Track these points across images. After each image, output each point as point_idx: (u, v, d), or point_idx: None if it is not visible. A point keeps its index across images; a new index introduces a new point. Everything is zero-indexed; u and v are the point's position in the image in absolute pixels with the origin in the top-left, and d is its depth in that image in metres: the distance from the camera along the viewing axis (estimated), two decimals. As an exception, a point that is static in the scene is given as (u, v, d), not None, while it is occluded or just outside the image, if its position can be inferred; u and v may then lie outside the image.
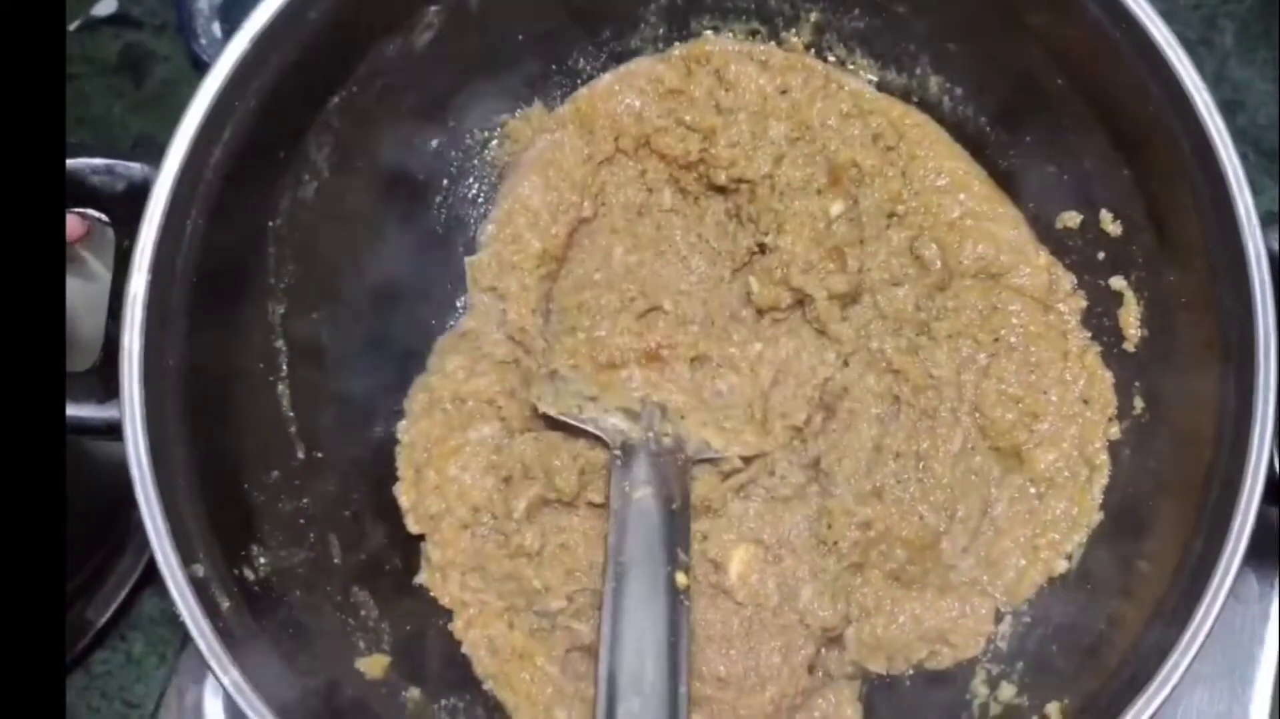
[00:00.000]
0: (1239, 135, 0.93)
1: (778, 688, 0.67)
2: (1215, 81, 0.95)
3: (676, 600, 0.62)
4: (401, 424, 0.72)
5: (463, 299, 0.75)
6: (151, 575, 0.91)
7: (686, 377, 0.69)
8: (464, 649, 0.69)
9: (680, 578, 0.63)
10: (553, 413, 0.68)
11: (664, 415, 0.68)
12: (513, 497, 0.69)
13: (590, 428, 0.68)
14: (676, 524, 0.65)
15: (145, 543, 0.88)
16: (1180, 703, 0.77)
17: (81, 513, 0.90)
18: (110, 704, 0.92)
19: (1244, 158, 0.92)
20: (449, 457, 0.70)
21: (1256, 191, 0.92)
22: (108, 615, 0.90)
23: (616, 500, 0.65)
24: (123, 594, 0.90)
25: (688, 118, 0.72)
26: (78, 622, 0.90)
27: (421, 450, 0.71)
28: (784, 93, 0.73)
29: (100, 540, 0.92)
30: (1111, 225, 0.66)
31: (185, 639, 0.85)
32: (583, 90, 0.75)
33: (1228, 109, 0.94)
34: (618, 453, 0.67)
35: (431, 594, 0.70)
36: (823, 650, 0.68)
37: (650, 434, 0.68)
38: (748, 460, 0.69)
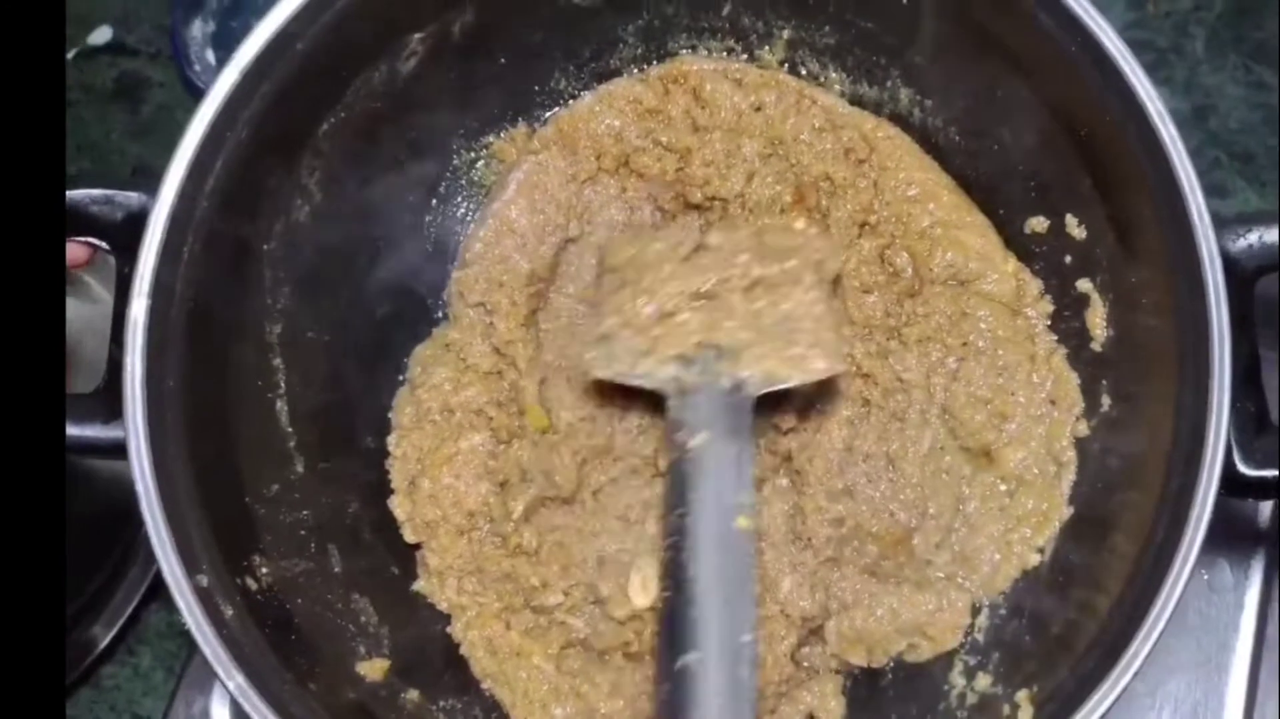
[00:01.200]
0: (1211, 140, 0.96)
1: (762, 676, 0.68)
2: (1187, 88, 0.97)
3: (741, 546, 0.59)
4: (391, 438, 0.74)
5: (441, 310, 0.77)
6: (157, 590, 0.94)
7: (743, 308, 0.65)
8: (462, 651, 0.71)
9: (743, 522, 0.60)
10: (608, 375, 0.65)
11: (720, 355, 0.64)
12: (510, 499, 0.71)
13: (646, 383, 0.65)
14: (739, 467, 0.61)
15: (151, 558, 0.92)
16: (1158, 691, 0.79)
17: (88, 530, 0.94)
18: (119, 717, 0.94)
19: (1215, 162, 0.96)
20: (442, 465, 0.72)
21: (1228, 194, 0.96)
22: (115, 631, 0.92)
23: (673, 452, 0.62)
24: (129, 609, 0.92)
25: (664, 138, 0.74)
26: (85, 637, 0.92)
27: (414, 462, 0.73)
28: (758, 109, 0.75)
29: (106, 557, 0.94)
30: (1076, 230, 0.68)
31: (191, 652, 0.87)
32: (564, 111, 0.77)
33: (1200, 114, 0.97)
34: (674, 402, 0.63)
35: (429, 600, 0.72)
36: (806, 647, 0.70)
37: (706, 378, 0.63)
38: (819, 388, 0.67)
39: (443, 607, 0.72)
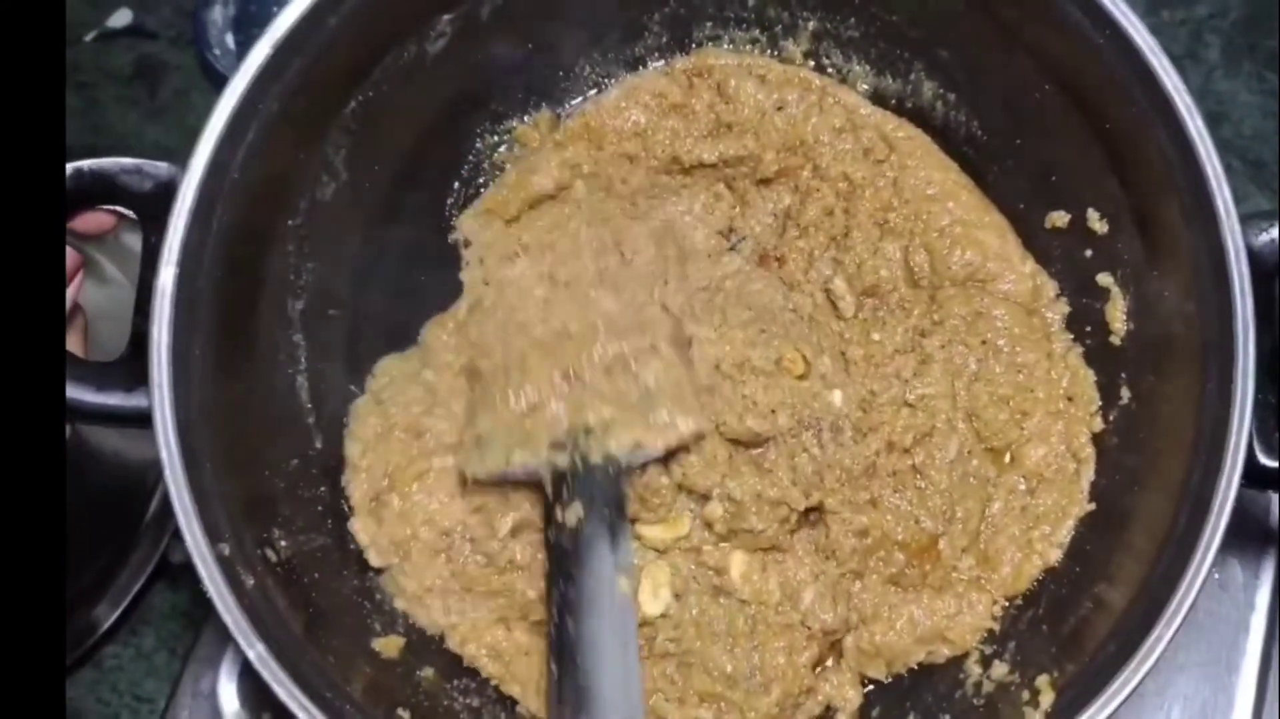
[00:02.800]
0: (1224, 146, 0.96)
1: (782, 688, 0.68)
2: (1201, 95, 0.98)
3: (625, 608, 0.62)
4: (349, 448, 0.70)
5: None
6: (162, 572, 0.93)
7: (607, 387, 0.66)
8: (465, 662, 0.69)
9: (623, 583, 0.63)
10: (484, 475, 0.66)
11: (589, 434, 0.65)
12: (495, 519, 0.69)
13: (522, 475, 0.65)
14: (615, 535, 0.64)
15: (157, 539, 0.92)
16: (1167, 690, 0.79)
17: (93, 511, 0.93)
18: (120, 698, 0.93)
19: (1229, 168, 0.95)
20: (413, 482, 0.69)
21: (1240, 200, 0.96)
22: (119, 611, 0.91)
23: (552, 531, 0.64)
24: (134, 589, 0.91)
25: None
26: (89, 618, 0.92)
27: (381, 476, 0.69)
28: (780, 109, 0.75)
29: (111, 538, 0.93)
30: (1098, 224, 0.69)
31: (199, 631, 0.87)
32: (589, 105, 0.77)
33: (1213, 121, 0.98)
34: (548, 489, 0.65)
35: (414, 623, 0.69)
36: (826, 660, 0.70)
37: (577, 457, 0.65)
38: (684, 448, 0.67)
39: (431, 631, 0.69)
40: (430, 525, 0.69)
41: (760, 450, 0.68)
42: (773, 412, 0.68)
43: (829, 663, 0.70)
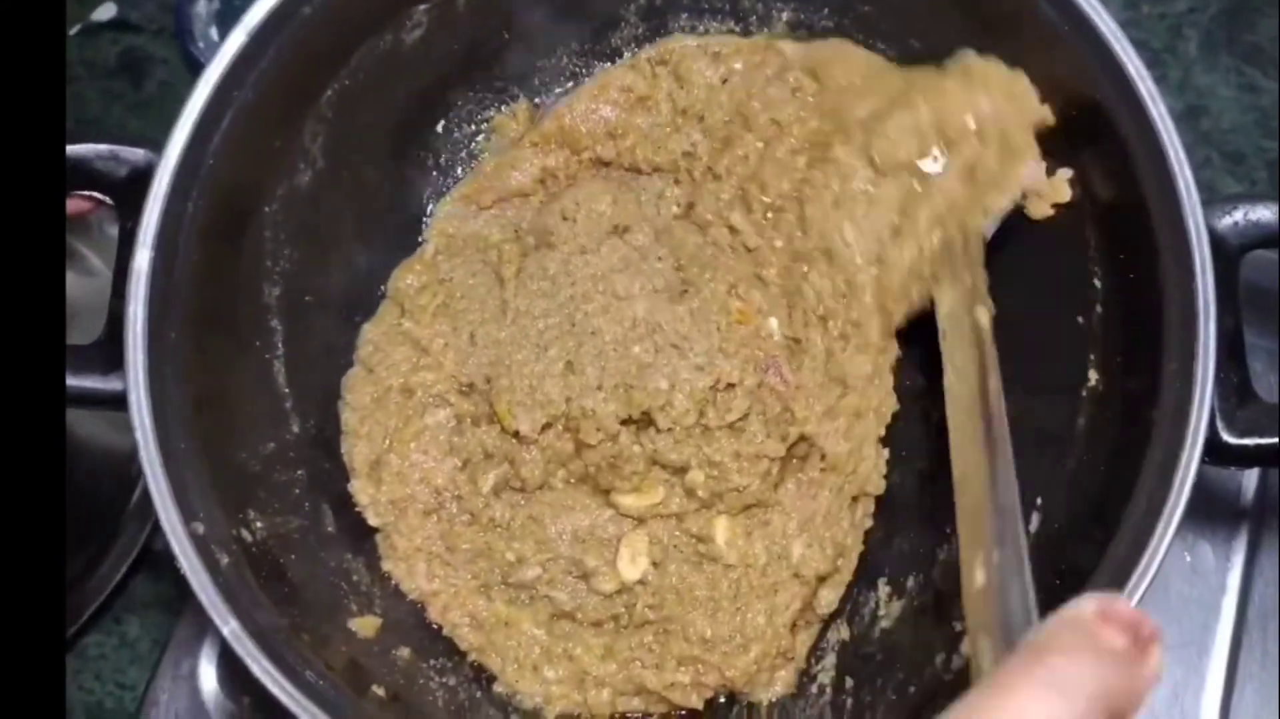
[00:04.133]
0: (1203, 139, 0.98)
1: (761, 648, 0.69)
2: (1180, 88, 0.99)
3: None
4: (345, 417, 0.72)
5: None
6: (145, 561, 0.94)
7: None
8: (445, 632, 0.71)
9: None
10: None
11: None
12: (478, 475, 0.71)
13: None
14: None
15: (140, 528, 0.93)
16: (1140, 672, 0.80)
17: (77, 500, 0.94)
18: (104, 686, 0.94)
19: (1207, 160, 0.98)
20: (410, 442, 0.72)
21: (1219, 193, 0.97)
22: (102, 599, 0.92)
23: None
24: (117, 578, 0.92)
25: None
26: (72, 606, 0.93)
27: (380, 440, 0.72)
28: (725, 81, 0.76)
29: (94, 527, 0.94)
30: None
31: (179, 616, 0.88)
32: (563, 104, 0.78)
33: (1192, 114, 0.99)
34: None
35: (397, 584, 0.71)
36: (808, 615, 0.72)
37: None
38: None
39: (413, 596, 0.71)
40: (425, 483, 0.71)
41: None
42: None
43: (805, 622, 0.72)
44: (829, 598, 0.72)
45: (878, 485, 0.73)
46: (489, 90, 0.78)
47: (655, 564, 0.71)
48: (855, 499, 0.73)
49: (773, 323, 0.72)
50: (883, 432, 0.72)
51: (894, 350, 0.72)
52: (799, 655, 0.72)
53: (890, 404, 0.72)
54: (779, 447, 0.70)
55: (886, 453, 0.73)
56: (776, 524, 0.71)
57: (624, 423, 0.70)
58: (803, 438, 0.71)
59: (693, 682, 0.69)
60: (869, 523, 0.74)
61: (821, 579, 0.72)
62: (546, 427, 0.70)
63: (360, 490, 0.71)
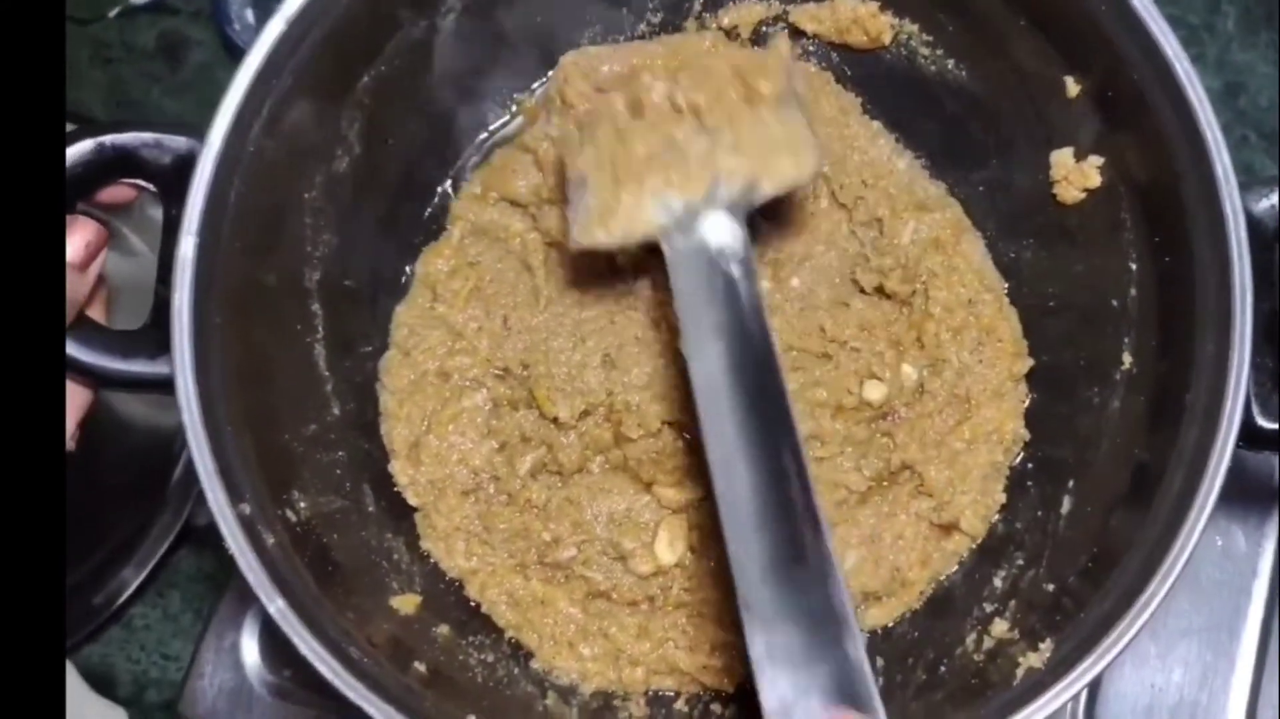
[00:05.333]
0: (1240, 118, 0.97)
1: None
2: (1218, 66, 0.98)
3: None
4: (384, 400, 0.73)
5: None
6: (188, 535, 0.96)
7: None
8: (484, 609, 0.72)
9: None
10: (601, 240, 0.59)
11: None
12: (515, 458, 0.72)
13: (641, 236, 0.59)
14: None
15: (182, 504, 0.95)
16: (1170, 654, 0.80)
17: (121, 477, 0.96)
18: (149, 656, 0.97)
19: (1244, 140, 0.97)
20: (448, 424, 0.73)
21: (1256, 172, 0.96)
22: (145, 573, 0.94)
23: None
24: (160, 552, 0.95)
25: None
26: (117, 580, 0.95)
27: (419, 422, 0.73)
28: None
29: (138, 503, 0.97)
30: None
31: (222, 591, 0.90)
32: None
33: (1230, 92, 0.98)
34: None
35: (436, 563, 0.72)
36: None
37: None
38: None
39: (452, 573, 0.72)
40: (463, 464, 0.72)
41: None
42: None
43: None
44: (876, 617, 0.71)
45: (973, 526, 0.71)
46: (519, 75, 0.79)
47: (693, 549, 0.71)
48: (946, 532, 0.71)
49: (907, 369, 0.71)
50: (1003, 461, 0.71)
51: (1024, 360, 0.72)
52: None
53: (1017, 430, 0.71)
54: (863, 480, 0.70)
55: (1003, 497, 0.72)
56: (839, 531, 0.71)
57: (667, 423, 0.70)
58: (904, 465, 0.71)
59: (725, 666, 0.70)
60: (955, 564, 0.72)
61: (870, 596, 0.71)
62: (585, 414, 0.70)
63: (400, 471, 0.72)
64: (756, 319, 0.55)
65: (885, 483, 0.72)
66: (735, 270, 0.56)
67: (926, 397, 0.71)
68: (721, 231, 0.58)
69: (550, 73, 0.78)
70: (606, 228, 0.59)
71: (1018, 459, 0.73)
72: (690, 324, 0.56)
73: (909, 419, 0.71)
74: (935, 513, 0.71)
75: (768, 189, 0.59)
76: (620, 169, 0.59)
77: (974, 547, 0.72)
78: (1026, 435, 0.72)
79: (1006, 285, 0.75)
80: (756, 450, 0.50)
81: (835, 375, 0.72)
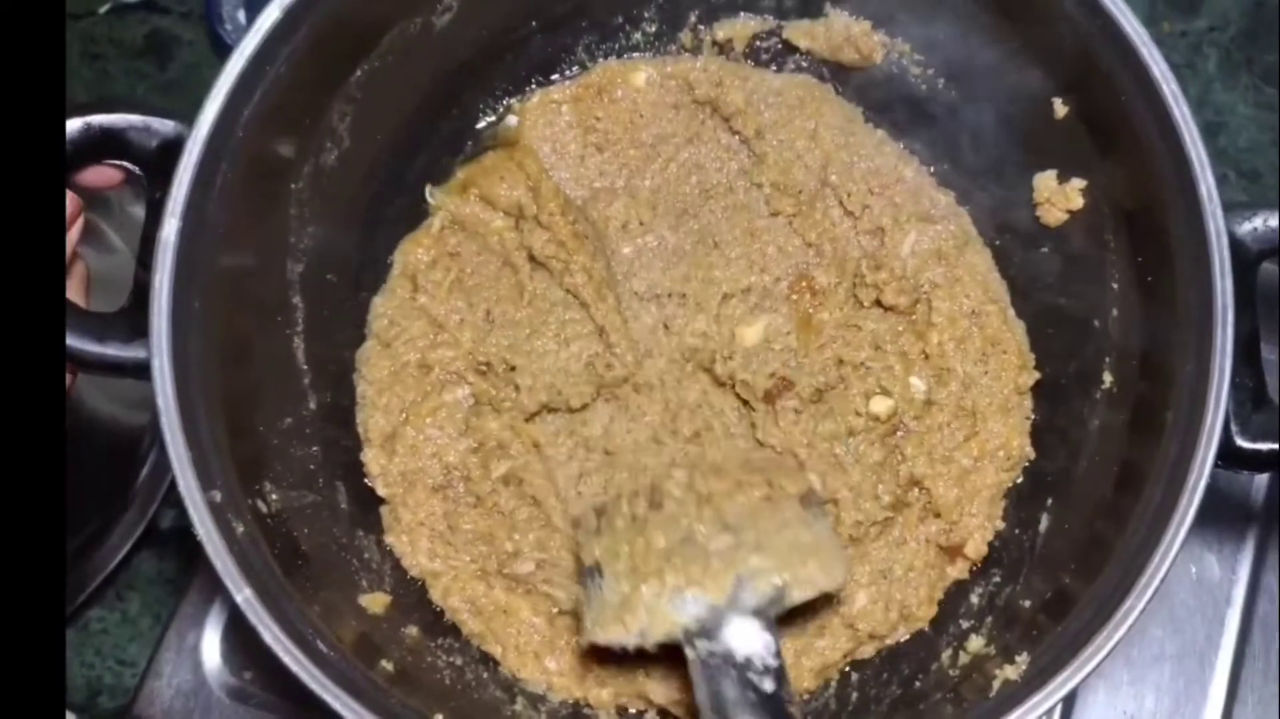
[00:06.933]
0: (1220, 157, 0.99)
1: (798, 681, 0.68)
2: (1199, 106, 1.00)
3: None
4: (362, 389, 0.73)
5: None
6: (151, 538, 0.94)
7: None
8: (446, 616, 0.71)
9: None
10: (612, 641, 0.58)
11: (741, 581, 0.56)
12: (491, 461, 0.71)
13: (661, 637, 0.56)
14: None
15: (147, 505, 0.93)
16: (1142, 681, 0.80)
17: (85, 475, 0.94)
18: (104, 661, 0.94)
19: (1224, 178, 0.99)
20: (426, 417, 0.72)
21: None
22: (106, 573, 0.92)
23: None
24: (122, 553, 0.92)
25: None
26: (76, 579, 0.93)
27: (397, 413, 0.72)
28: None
29: (102, 502, 0.94)
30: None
31: (182, 593, 0.88)
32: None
33: (1210, 132, 1.00)
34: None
35: (401, 561, 0.71)
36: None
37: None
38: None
39: (414, 572, 0.71)
40: (437, 459, 0.71)
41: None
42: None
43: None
44: (871, 649, 0.70)
45: (977, 549, 0.70)
46: (512, 78, 0.79)
47: None
48: (951, 557, 0.71)
49: (915, 383, 0.71)
50: (1006, 480, 0.71)
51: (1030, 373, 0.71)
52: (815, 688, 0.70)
53: (1023, 448, 0.71)
54: (879, 509, 0.70)
55: (1001, 523, 0.71)
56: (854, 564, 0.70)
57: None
58: (913, 480, 0.70)
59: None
60: (949, 583, 0.71)
61: (875, 637, 0.70)
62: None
63: (373, 460, 0.71)
64: None
65: (898, 507, 0.71)
66: (768, 685, 0.54)
67: (934, 408, 0.71)
68: (750, 640, 0.55)
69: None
70: (624, 624, 0.56)
71: (1019, 479, 0.72)
72: None
73: (918, 432, 0.71)
74: (943, 535, 0.70)
75: (796, 596, 0.56)
76: (639, 560, 0.57)
77: (973, 570, 0.71)
78: (1032, 454, 0.71)
79: (1010, 297, 0.75)
80: None
81: (845, 397, 0.72)
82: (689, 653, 0.56)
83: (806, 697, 0.70)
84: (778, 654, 0.55)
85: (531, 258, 0.74)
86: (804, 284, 0.73)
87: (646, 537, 0.58)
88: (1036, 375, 0.72)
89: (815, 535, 0.58)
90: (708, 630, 0.55)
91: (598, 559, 0.59)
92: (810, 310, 0.73)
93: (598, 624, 0.58)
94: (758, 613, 0.55)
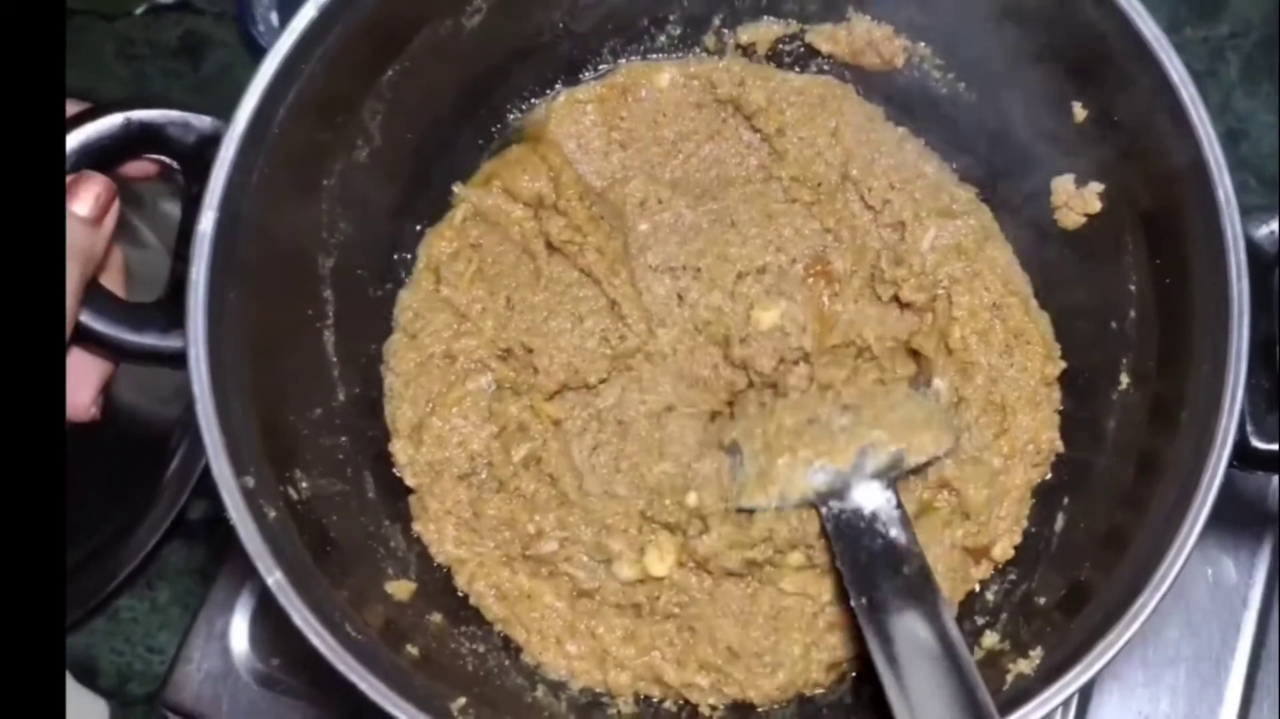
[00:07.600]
0: (1241, 164, 0.99)
1: (788, 676, 0.69)
2: (1220, 112, 1.00)
3: None
4: (390, 381, 0.74)
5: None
6: (181, 529, 0.96)
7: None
8: (471, 601, 0.72)
9: None
10: (762, 504, 0.67)
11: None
12: (511, 446, 0.72)
13: (798, 500, 0.67)
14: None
15: (177, 496, 0.95)
16: (1157, 683, 0.81)
17: (116, 467, 0.96)
18: (133, 649, 0.96)
19: (1244, 185, 0.99)
20: (452, 406, 0.73)
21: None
22: (136, 563, 0.94)
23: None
24: (152, 543, 0.94)
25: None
26: (107, 569, 0.95)
27: (424, 404, 0.73)
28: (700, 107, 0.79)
29: (132, 494, 0.97)
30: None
31: (210, 583, 0.90)
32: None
33: (1231, 138, 1.00)
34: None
35: (428, 549, 0.72)
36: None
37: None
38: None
39: (440, 559, 0.72)
40: (462, 448, 0.73)
41: None
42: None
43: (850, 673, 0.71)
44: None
45: (1004, 552, 0.71)
46: (540, 78, 0.80)
47: (682, 564, 0.71)
48: (977, 559, 0.71)
49: (937, 384, 0.72)
50: (1037, 478, 0.71)
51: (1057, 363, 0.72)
52: (828, 683, 0.71)
53: (1053, 442, 0.71)
54: (912, 499, 0.70)
55: (1025, 522, 0.71)
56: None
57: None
58: (942, 482, 0.71)
59: (711, 686, 0.70)
60: (974, 585, 0.71)
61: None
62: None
63: (400, 450, 0.72)
64: (921, 576, 0.62)
65: (925, 511, 0.71)
66: (894, 532, 0.65)
67: (962, 405, 0.71)
68: (874, 498, 0.66)
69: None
70: (765, 491, 0.67)
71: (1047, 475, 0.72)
72: (858, 587, 0.62)
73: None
74: (972, 537, 0.70)
75: (912, 461, 0.67)
76: (772, 439, 0.68)
77: (995, 570, 0.72)
78: (1061, 447, 0.72)
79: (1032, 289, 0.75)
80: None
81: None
82: (822, 511, 0.66)
83: (820, 690, 0.71)
84: (899, 506, 0.66)
85: (549, 244, 0.75)
86: (820, 267, 0.74)
87: (776, 419, 0.69)
88: (1063, 365, 0.72)
89: (925, 411, 0.69)
90: (838, 492, 0.66)
91: (735, 439, 0.69)
92: (826, 300, 0.74)
93: (744, 492, 0.68)
94: (877, 475, 0.66)
